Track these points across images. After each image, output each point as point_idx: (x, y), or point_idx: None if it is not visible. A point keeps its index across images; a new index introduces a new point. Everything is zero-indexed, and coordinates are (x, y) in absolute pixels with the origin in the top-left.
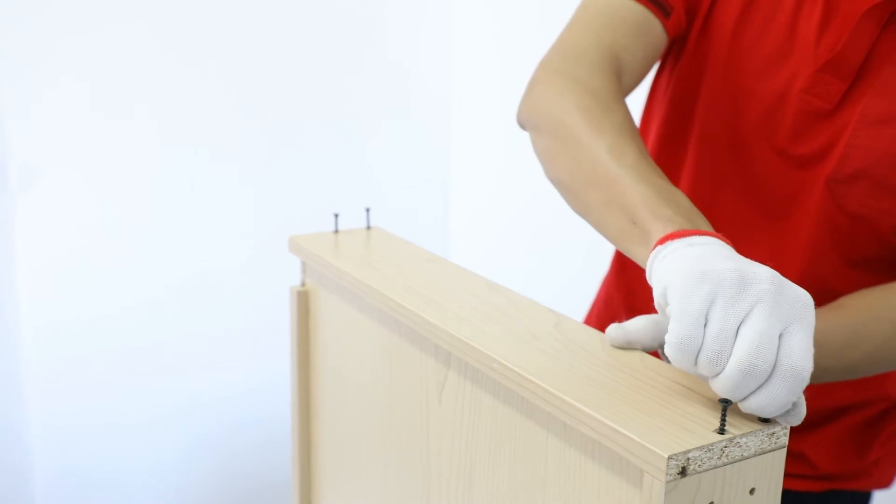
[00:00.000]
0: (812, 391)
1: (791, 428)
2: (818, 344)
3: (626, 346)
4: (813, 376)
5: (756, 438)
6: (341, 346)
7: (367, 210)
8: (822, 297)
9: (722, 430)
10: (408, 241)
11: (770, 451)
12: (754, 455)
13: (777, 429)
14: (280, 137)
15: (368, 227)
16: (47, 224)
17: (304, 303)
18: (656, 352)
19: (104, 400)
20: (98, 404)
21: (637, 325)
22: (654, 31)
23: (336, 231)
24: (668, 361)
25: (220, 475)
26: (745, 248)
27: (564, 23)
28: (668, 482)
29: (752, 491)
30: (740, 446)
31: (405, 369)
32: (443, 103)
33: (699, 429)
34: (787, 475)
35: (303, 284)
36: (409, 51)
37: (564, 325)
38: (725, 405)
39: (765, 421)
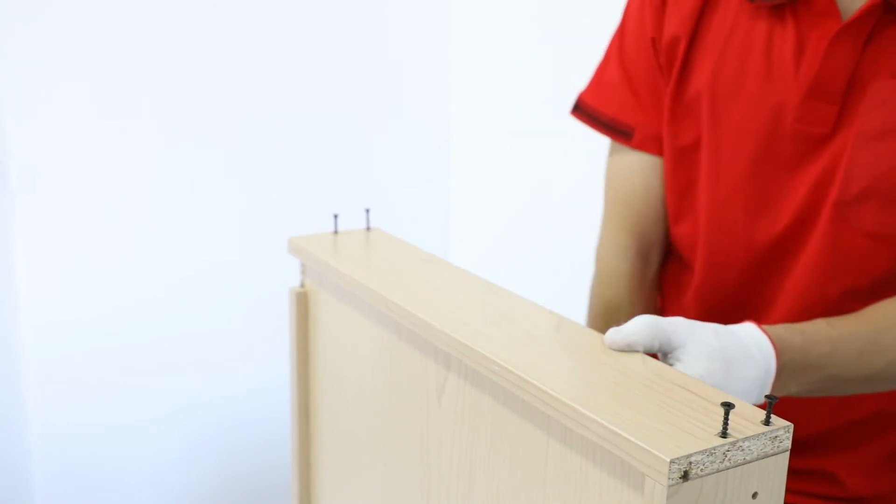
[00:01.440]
0: (836, 402)
1: (824, 447)
2: (835, 352)
3: (627, 350)
4: (832, 388)
5: (759, 442)
6: (341, 347)
7: (367, 211)
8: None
9: (724, 434)
10: (407, 242)
11: (773, 455)
12: (757, 459)
13: (780, 432)
14: (280, 138)
15: (368, 228)
16: (47, 224)
17: (303, 304)
18: (656, 354)
19: (104, 400)
20: (98, 404)
21: (635, 327)
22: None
23: (335, 232)
24: (667, 363)
25: (220, 475)
26: (758, 274)
27: (564, 23)
28: (670, 486)
29: (754, 495)
30: (743, 450)
31: (405, 371)
32: (443, 103)
33: (701, 432)
34: (816, 496)
35: (302, 285)
36: (409, 51)
37: (565, 327)
38: (728, 408)
39: (768, 423)
